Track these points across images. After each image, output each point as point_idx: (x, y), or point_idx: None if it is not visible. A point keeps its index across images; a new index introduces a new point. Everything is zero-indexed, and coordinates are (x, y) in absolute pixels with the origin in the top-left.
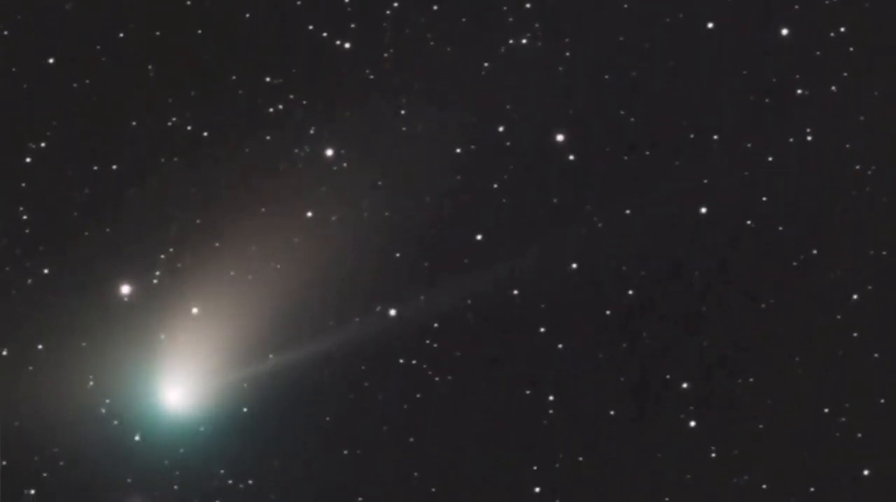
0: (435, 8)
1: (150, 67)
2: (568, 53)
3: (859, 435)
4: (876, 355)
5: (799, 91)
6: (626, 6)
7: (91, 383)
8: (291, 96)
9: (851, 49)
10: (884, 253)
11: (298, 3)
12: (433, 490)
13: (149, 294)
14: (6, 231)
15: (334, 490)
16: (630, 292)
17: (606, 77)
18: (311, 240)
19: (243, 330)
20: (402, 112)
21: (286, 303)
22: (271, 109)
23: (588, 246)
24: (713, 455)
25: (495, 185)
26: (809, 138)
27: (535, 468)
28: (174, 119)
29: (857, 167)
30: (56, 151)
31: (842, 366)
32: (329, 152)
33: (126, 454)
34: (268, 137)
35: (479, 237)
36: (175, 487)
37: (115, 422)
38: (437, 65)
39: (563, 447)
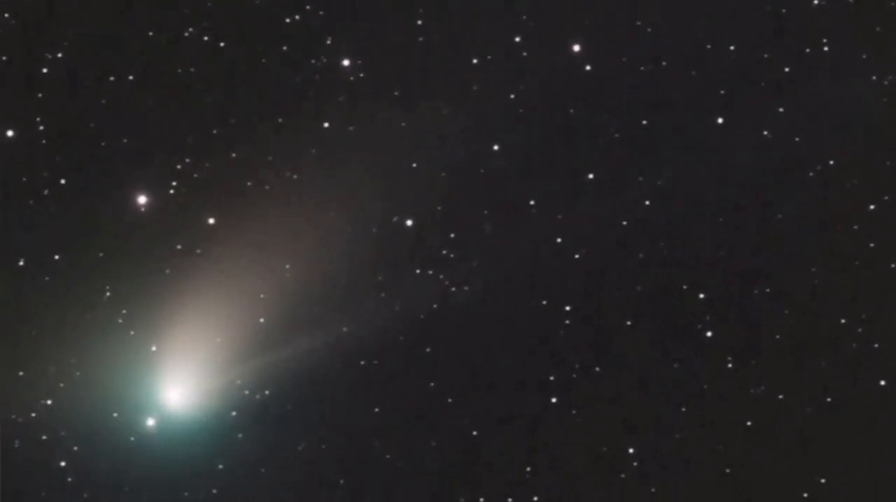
0: None
1: None
2: None
3: (876, 345)
4: (893, 265)
5: (816, 2)
6: None
7: (108, 294)
8: (308, 6)
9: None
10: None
11: None
12: (449, 400)
13: (165, 204)
14: (22, 141)
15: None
16: (647, 202)
17: None
18: (329, 150)
19: (259, 240)
20: (419, 22)
21: (302, 213)
22: (288, 20)
23: (605, 156)
24: (730, 365)
25: (512, 96)
26: (826, 49)
27: (551, 378)
28: (191, 29)
29: (874, 78)
30: (73, 61)
31: (859, 276)
32: (346, 62)
33: (142, 364)
34: (285, 48)
35: (495, 147)
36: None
37: (132, 332)
38: None
39: (580, 357)
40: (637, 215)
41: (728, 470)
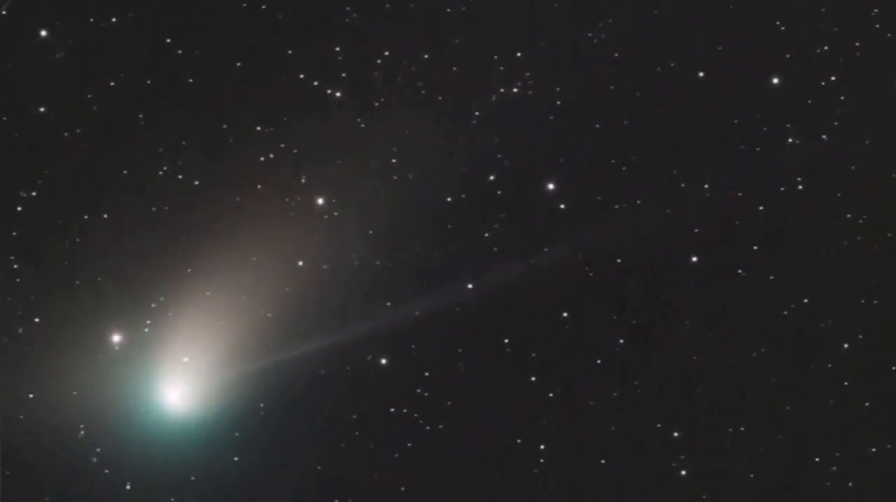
0: (426, 56)
1: (140, 116)
2: (559, 102)
3: (850, 484)
4: (867, 404)
5: (790, 140)
6: (616, 55)
7: (82, 433)
8: (282, 145)
9: (842, 98)
10: (875, 302)
11: (289, 52)
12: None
13: (140, 343)
14: None
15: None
16: (621, 341)
17: (597, 126)
18: (303, 290)
19: (235, 377)
20: (394, 161)
21: (278, 351)
22: (262, 158)
23: (579, 294)
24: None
25: (486, 234)
26: (800, 187)
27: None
28: (165, 168)
29: (849, 216)
30: (47, 200)
31: (833, 416)
32: (320, 201)
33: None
34: (259, 186)
35: (469, 286)
36: None
37: (106, 471)
38: (427, 113)
39: (555, 496)
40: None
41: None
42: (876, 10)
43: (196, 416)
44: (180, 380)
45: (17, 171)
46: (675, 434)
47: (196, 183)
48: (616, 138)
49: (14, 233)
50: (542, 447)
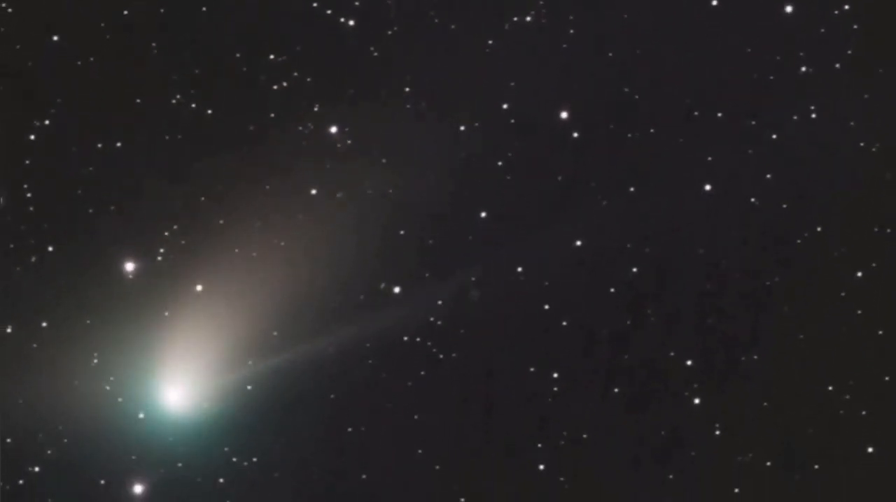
0: None
1: (153, 45)
2: (572, 31)
3: (863, 412)
4: (880, 332)
5: (803, 69)
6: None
7: (95, 361)
8: (295, 74)
9: (855, 26)
10: (888, 230)
11: None
12: (437, 467)
13: (153, 271)
14: (11, 208)
15: (338, 469)
16: (634, 269)
17: (610, 54)
18: (316, 218)
19: (247, 308)
20: (407, 89)
21: (290, 280)
22: (275, 87)
23: (592, 223)
24: (717, 432)
25: (500, 163)
26: (813, 115)
27: (539, 446)
28: (178, 97)
29: (861, 144)
30: (60, 129)
31: (845, 344)
32: (333, 129)
33: (130, 431)
34: (272, 115)
35: (483, 215)
36: (178, 464)
37: (119, 400)
38: (441, 42)
39: (568, 425)
40: (625, 281)
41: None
42: None
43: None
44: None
45: (31, 100)
46: (689, 362)
47: (209, 111)
48: (629, 67)
49: (27, 162)
50: (555, 375)
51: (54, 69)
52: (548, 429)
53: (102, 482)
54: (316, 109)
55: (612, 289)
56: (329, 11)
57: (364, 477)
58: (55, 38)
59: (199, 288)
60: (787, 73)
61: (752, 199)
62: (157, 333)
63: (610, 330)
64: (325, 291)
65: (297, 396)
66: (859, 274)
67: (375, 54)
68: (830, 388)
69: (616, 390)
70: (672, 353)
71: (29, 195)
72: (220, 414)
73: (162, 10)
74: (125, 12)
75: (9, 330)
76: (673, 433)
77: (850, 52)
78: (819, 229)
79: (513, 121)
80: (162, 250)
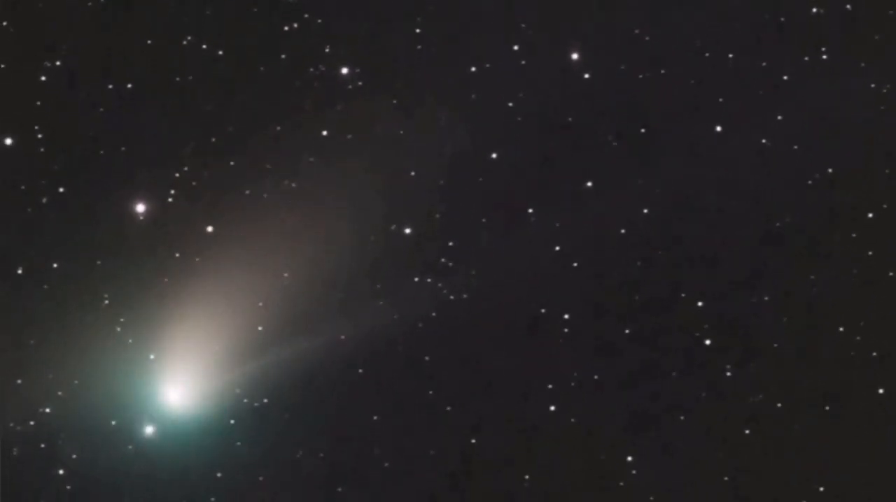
0: None
1: None
2: None
3: (874, 353)
4: (891, 274)
5: (814, 10)
6: None
7: (106, 302)
8: (306, 15)
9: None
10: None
11: None
12: (448, 408)
13: (164, 212)
14: (21, 148)
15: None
16: (645, 211)
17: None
18: (327, 159)
19: (258, 248)
20: (418, 31)
21: (301, 221)
22: (286, 27)
23: (604, 165)
24: (728, 373)
25: (510, 104)
26: (825, 57)
27: (549, 386)
28: (189, 38)
29: (872, 86)
30: (70, 70)
31: (858, 286)
32: (344, 71)
33: (141, 372)
34: (283, 56)
35: (494, 156)
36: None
37: (130, 340)
38: None
39: (579, 365)
40: (635, 222)
41: (726, 478)
42: None
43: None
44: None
45: (41, 42)
46: (700, 303)
47: (220, 52)
48: (641, 10)
49: (38, 103)
50: (566, 316)
51: (64, 10)
52: (558, 370)
53: (113, 422)
54: (327, 50)
55: (623, 231)
56: None
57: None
58: None
59: (209, 229)
60: (799, 14)
61: (764, 141)
62: (169, 275)
63: (620, 271)
64: (335, 231)
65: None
66: (871, 215)
67: None
68: (842, 330)
69: (627, 331)
70: (683, 295)
71: (39, 136)
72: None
73: None
74: None
75: (20, 271)
76: (684, 373)
77: None
78: (830, 170)
79: (523, 62)
80: (173, 192)
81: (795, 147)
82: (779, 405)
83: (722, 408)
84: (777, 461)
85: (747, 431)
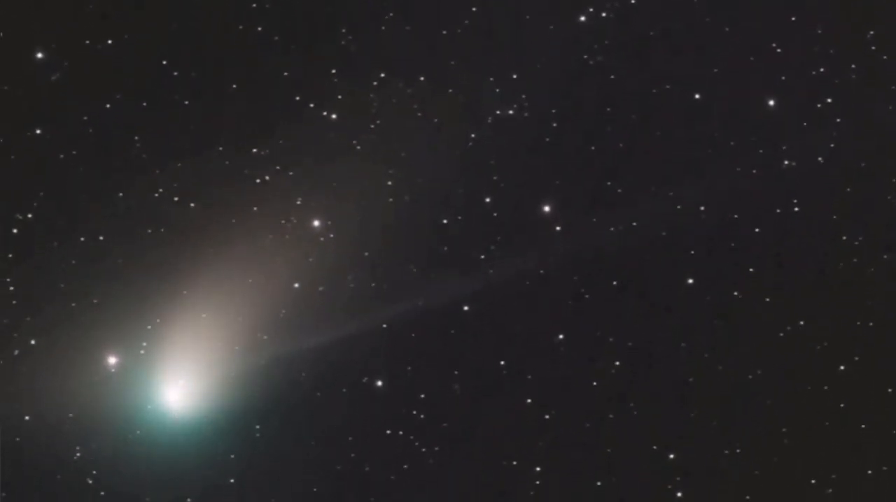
0: (422, 79)
1: (136, 138)
2: (554, 124)
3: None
4: (863, 426)
5: (786, 162)
6: (612, 77)
7: (78, 454)
8: (278, 167)
9: (838, 120)
10: (870, 323)
11: (285, 73)
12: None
13: (136, 365)
14: None
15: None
16: (617, 363)
17: (593, 148)
18: (298, 312)
19: (229, 401)
20: (389, 183)
21: (273, 373)
22: (258, 180)
23: (575, 318)
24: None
25: (482, 256)
26: (796, 209)
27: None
28: (161, 190)
29: (844, 238)
30: (42, 222)
31: (828, 437)
32: (316, 223)
33: None
34: (255, 208)
35: (465, 308)
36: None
37: (102, 494)
38: (423, 135)
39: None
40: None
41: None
42: (871, 33)
43: (193, 431)
44: (177, 402)
45: (13, 193)
46: (671, 456)
47: (192, 205)
48: (611, 160)
49: (10, 255)
50: (538, 469)
51: (36, 162)
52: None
53: None
54: (298, 202)
55: (595, 383)
56: (312, 105)
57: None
58: (38, 130)
59: (181, 382)
60: (771, 167)
61: (735, 293)
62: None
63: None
64: (307, 385)
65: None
66: (842, 367)
67: (358, 147)
68: (813, 482)
69: (598, 484)
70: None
71: (11, 288)
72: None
73: (144, 104)
74: (107, 105)
75: None
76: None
77: (832, 145)
78: (802, 322)
79: (495, 214)
80: (144, 344)
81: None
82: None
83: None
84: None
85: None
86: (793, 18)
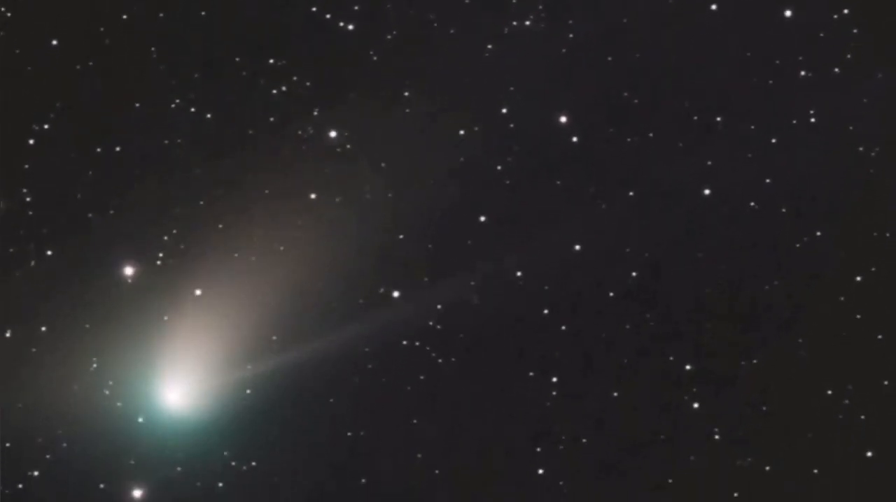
0: None
1: (153, 49)
2: (571, 35)
3: (862, 417)
4: (879, 337)
5: (802, 73)
6: None
7: (94, 365)
8: (295, 78)
9: (855, 31)
10: (887, 234)
11: None
12: (436, 471)
13: (152, 275)
14: (10, 213)
15: (338, 472)
16: (633, 274)
17: (609, 59)
18: (315, 223)
19: (246, 312)
20: (406, 94)
21: (289, 285)
22: (275, 91)
23: (591, 228)
24: (717, 437)
25: (499, 167)
26: (813, 120)
27: (538, 450)
28: (177, 101)
29: (861, 149)
30: (59, 134)
31: (845, 348)
32: (332, 134)
33: (129, 436)
34: (271, 119)
35: (482, 219)
36: (178, 469)
37: (119, 404)
38: (440, 47)
39: (567, 429)
40: (624, 286)
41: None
42: None
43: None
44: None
45: (30, 105)
46: (688, 367)
47: (208, 115)
48: (628, 71)
49: (26, 166)
50: (554, 379)
51: (54, 72)
52: (547, 434)
53: (102, 486)
54: (315, 114)
55: (611, 294)
56: (328, 16)
57: (363, 481)
58: (54, 41)
59: (198, 292)
60: (787, 77)
61: (752, 203)
62: (157, 337)
63: (608, 334)
64: (324, 295)
65: (295, 400)
66: (858, 278)
67: (374, 59)
68: (830, 392)
69: (615, 394)
70: (671, 358)
71: (28, 199)
72: (220, 418)
73: (161, 14)
74: (124, 16)
75: (8, 334)
76: (671, 437)
77: (849, 55)
78: (818, 233)
79: (512, 125)
80: (161, 254)
81: (783, 210)
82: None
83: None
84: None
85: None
86: None
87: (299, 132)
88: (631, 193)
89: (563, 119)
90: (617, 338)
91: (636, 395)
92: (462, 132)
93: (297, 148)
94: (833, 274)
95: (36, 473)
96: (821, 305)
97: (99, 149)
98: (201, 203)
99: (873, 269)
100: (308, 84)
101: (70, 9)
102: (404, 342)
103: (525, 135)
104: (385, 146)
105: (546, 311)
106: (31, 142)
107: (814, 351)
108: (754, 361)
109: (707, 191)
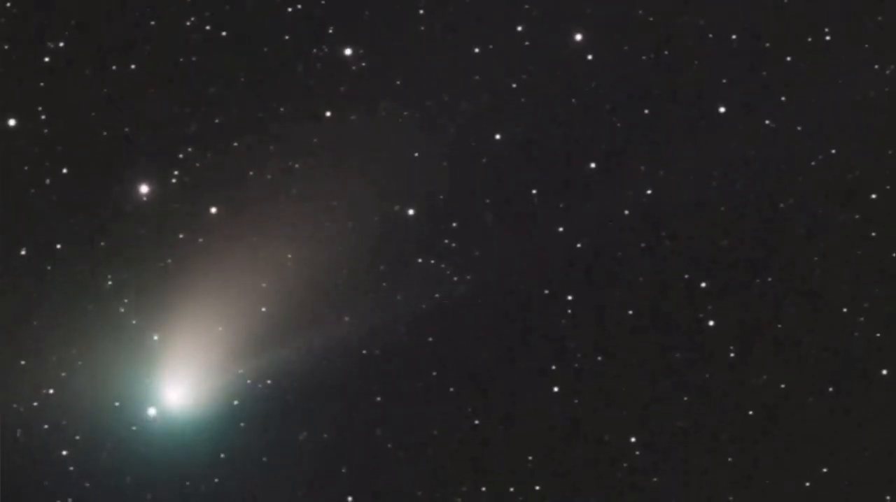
0: None
1: None
2: None
3: (878, 334)
4: (894, 255)
5: None
6: None
7: (109, 283)
8: None
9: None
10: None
11: None
12: (451, 389)
13: (168, 193)
14: (24, 130)
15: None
16: (649, 191)
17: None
18: (330, 140)
19: (261, 229)
20: (421, 11)
21: (304, 202)
22: (290, 8)
23: (608, 144)
24: (732, 355)
25: (514, 85)
26: (828, 38)
27: (553, 368)
28: (192, 19)
29: (876, 67)
30: (74, 51)
31: (861, 265)
32: (347, 52)
33: (144, 354)
34: (286, 37)
35: (497, 136)
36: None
37: (134, 322)
38: None
39: (582, 347)
40: (639, 205)
41: (730, 460)
42: None
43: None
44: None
45: (45, 22)
46: (703, 284)
47: (223, 34)
48: None
49: (41, 85)
50: (569, 297)
51: None
52: (561, 352)
53: (117, 404)
54: (330, 31)
55: (626, 212)
56: None
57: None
58: None
59: (213, 210)
60: None
61: (767, 122)
62: (172, 255)
63: (623, 252)
64: (338, 211)
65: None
66: (873, 195)
67: None
68: (845, 310)
69: (630, 312)
70: (686, 276)
71: (43, 117)
72: (236, 337)
73: None
74: None
75: (23, 252)
76: (687, 355)
77: None
78: (833, 151)
79: (527, 43)
80: (176, 172)
81: (799, 128)
82: (782, 387)
83: (725, 390)
84: (779, 444)
85: (751, 412)
86: None
87: (314, 50)
88: (646, 111)
89: (579, 36)
90: (632, 254)
91: (651, 313)
92: (477, 49)
93: (312, 66)
94: (847, 191)
95: (51, 391)
96: (836, 221)
97: (114, 68)
98: (216, 121)
99: (888, 187)
100: (323, 2)
101: None
102: (419, 260)
103: (540, 53)
104: (400, 64)
105: (561, 229)
106: (46, 59)
107: (829, 267)
108: (769, 279)
109: (722, 109)
